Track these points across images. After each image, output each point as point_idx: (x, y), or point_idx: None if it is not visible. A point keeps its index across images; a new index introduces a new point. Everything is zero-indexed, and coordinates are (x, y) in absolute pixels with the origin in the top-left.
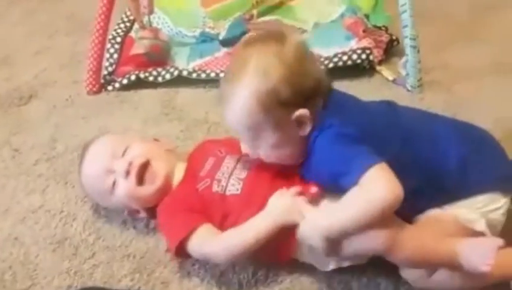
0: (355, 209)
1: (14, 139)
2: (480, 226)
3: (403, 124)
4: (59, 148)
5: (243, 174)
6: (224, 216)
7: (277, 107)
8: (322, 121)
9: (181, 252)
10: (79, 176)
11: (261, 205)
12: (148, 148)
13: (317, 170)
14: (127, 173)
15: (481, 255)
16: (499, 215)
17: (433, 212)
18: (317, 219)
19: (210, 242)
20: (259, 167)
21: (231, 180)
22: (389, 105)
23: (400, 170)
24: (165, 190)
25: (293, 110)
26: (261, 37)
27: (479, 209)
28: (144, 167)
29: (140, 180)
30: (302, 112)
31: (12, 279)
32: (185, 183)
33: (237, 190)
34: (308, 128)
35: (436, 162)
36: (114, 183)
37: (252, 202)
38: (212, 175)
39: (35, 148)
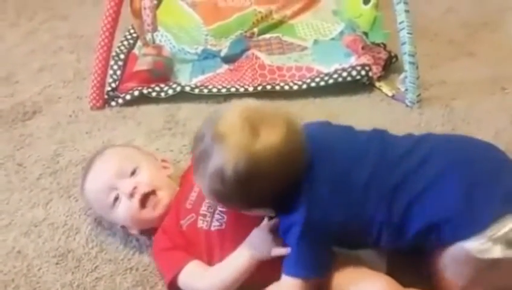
0: None
1: (18, 154)
2: (497, 253)
3: (393, 172)
4: (62, 163)
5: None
6: (210, 251)
7: (233, 206)
8: (288, 213)
9: (174, 287)
10: (82, 185)
11: (245, 238)
12: (155, 177)
13: None
14: (131, 195)
15: None
16: None
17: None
18: None
19: (198, 281)
20: None
21: (216, 215)
22: (381, 145)
23: (395, 222)
24: (162, 217)
25: (248, 209)
26: (235, 128)
27: (490, 237)
28: (148, 194)
29: (143, 205)
30: (258, 211)
31: None
32: (171, 216)
33: (221, 225)
34: (272, 213)
35: (435, 209)
36: (116, 199)
37: (236, 235)
38: (197, 209)
39: (39, 162)
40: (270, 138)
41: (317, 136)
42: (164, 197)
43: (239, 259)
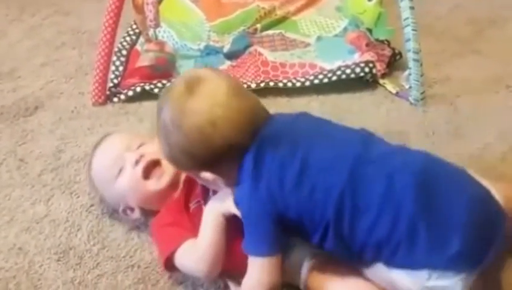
0: None
1: (20, 150)
2: None
3: (353, 164)
4: (64, 159)
5: None
6: None
7: (182, 168)
8: (238, 181)
9: (170, 266)
10: (89, 163)
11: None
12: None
13: None
14: (136, 162)
15: None
16: None
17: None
18: None
19: (191, 254)
20: None
21: None
22: (359, 147)
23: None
24: (166, 193)
25: (198, 170)
26: (172, 85)
27: (423, 282)
28: (154, 164)
29: (147, 175)
30: (206, 175)
31: (16, 288)
32: (180, 198)
33: None
34: (223, 185)
35: (384, 219)
36: (120, 170)
37: (237, 223)
38: (203, 194)
39: (41, 158)
40: (204, 95)
41: (287, 117)
42: (169, 168)
43: (208, 218)
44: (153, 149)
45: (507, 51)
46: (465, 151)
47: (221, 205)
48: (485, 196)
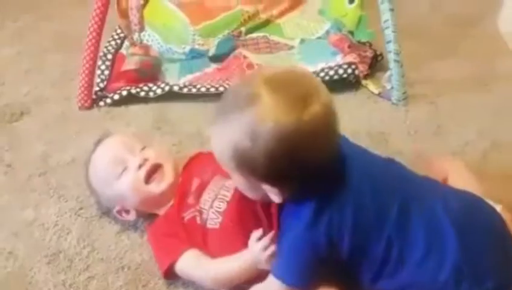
0: None
1: (7, 155)
2: None
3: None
4: (52, 164)
5: (223, 207)
6: (205, 247)
7: (245, 169)
8: (294, 211)
9: (170, 274)
10: (88, 160)
11: (236, 241)
12: (163, 153)
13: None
14: (140, 166)
15: None
16: None
17: None
18: None
19: (196, 268)
20: (239, 199)
21: (211, 213)
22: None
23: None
24: (164, 198)
25: (262, 182)
26: (285, 87)
27: None
28: (156, 168)
29: (148, 179)
30: (271, 189)
31: None
32: (174, 208)
33: (216, 224)
34: (277, 200)
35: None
36: (123, 170)
37: (231, 238)
38: (196, 204)
39: (28, 163)
40: (317, 109)
41: (351, 145)
42: (170, 172)
43: (240, 260)
44: (156, 152)
45: (486, 50)
46: (447, 149)
47: (260, 259)
48: (503, 230)
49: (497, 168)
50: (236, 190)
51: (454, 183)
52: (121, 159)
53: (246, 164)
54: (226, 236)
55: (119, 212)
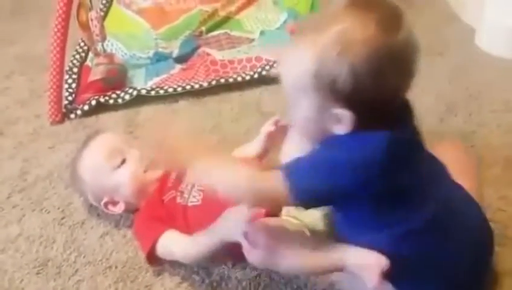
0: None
1: None
2: None
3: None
4: (30, 179)
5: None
6: (187, 226)
7: (323, 91)
8: (362, 138)
9: (153, 258)
10: (78, 155)
11: (218, 215)
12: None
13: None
14: (141, 158)
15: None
16: None
17: None
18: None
19: (175, 245)
20: None
21: (193, 191)
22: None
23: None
24: (154, 185)
25: (339, 104)
26: (375, 5)
27: None
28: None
29: (146, 170)
30: (344, 113)
31: None
32: (155, 193)
33: (198, 201)
34: (341, 130)
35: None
36: (122, 162)
37: (211, 211)
38: (176, 187)
39: (7, 182)
40: (407, 33)
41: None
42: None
43: (207, 240)
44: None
45: (435, 22)
46: None
47: (229, 236)
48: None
49: (454, 129)
50: None
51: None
52: (120, 150)
53: (328, 79)
54: (207, 210)
55: (106, 204)
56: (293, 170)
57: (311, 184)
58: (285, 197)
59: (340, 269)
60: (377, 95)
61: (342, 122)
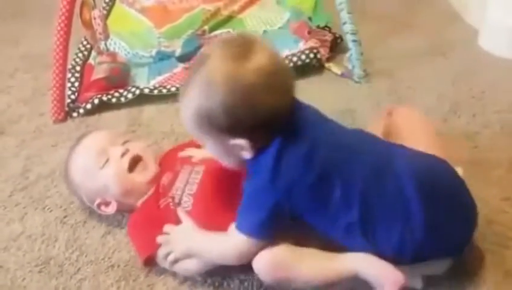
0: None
1: None
2: (418, 284)
3: (366, 160)
4: (32, 177)
5: (193, 189)
6: None
7: (212, 129)
8: (260, 160)
9: (149, 262)
10: (69, 157)
11: (210, 218)
12: (145, 147)
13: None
14: (122, 155)
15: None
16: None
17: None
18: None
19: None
20: (207, 179)
21: (184, 197)
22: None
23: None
24: (146, 188)
25: (230, 137)
26: (225, 43)
27: (418, 269)
28: (138, 159)
29: (131, 168)
30: (239, 142)
31: None
32: (151, 196)
33: (189, 206)
34: (248, 155)
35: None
36: (106, 161)
37: (202, 216)
38: (169, 191)
39: (9, 180)
40: (260, 57)
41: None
42: (151, 164)
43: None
44: (138, 145)
45: (437, 22)
46: None
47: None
48: (464, 192)
49: (457, 130)
50: (205, 172)
51: (415, 141)
52: (104, 150)
53: (210, 122)
54: (197, 216)
55: (99, 205)
56: (241, 221)
57: (259, 219)
58: (251, 244)
59: (352, 276)
60: (256, 120)
61: (244, 148)
